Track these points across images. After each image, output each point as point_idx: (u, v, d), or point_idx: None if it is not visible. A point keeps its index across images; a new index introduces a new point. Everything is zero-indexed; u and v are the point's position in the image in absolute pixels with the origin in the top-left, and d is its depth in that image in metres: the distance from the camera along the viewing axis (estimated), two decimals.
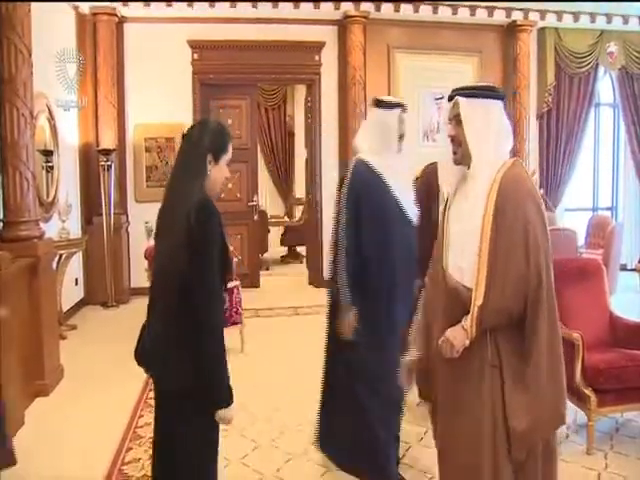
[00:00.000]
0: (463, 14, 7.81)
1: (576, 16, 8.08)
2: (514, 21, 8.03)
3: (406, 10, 7.64)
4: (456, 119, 2.14)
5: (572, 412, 3.69)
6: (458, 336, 2.07)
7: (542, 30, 8.28)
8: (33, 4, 4.37)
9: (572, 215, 8.67)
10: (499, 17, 7.97)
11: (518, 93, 8.08)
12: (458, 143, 2.14)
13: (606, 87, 8.94)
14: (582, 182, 8.99)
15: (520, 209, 2.03)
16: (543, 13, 8.02)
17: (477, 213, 2.07)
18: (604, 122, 9.10)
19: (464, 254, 2.10)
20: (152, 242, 1.94)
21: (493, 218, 2.03)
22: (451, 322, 2.10)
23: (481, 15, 7.87)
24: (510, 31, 8.15)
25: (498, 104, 2.16)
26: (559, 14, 8.06)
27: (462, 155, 2.14)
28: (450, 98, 2.18)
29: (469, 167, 2.13)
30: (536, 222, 2.03)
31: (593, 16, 8.10)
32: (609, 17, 8.15)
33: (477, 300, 2.03)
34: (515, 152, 7.89)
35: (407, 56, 7.99)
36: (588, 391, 3.39)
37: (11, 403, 3.68)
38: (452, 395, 2.18)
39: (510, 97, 7.88)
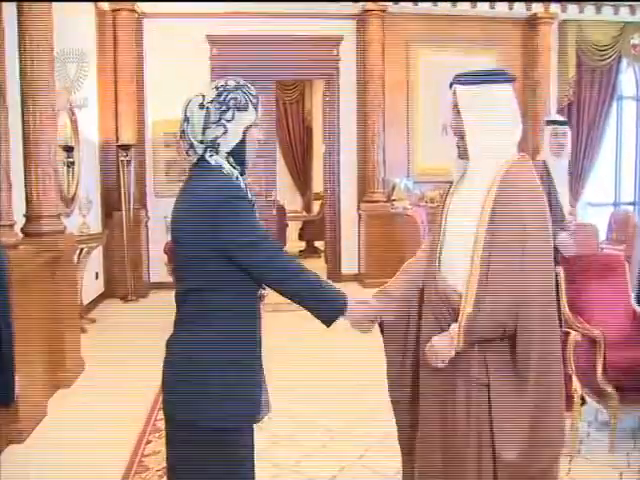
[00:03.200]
0: (482, 7, 7.71)
1: (598, 8, 7.95)
2: (534, 14, 7.92)
3: (425, 3, 7.59)
4: (456, 109, 1.97)
5: (593, 410, 3.66)
6: (444, 345, 1.88)
7: (563, 23, 8.16)
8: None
9: (593, 210, 8.56)
10: (519, 10, 7.87)
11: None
12: (460, 135, 1.97)
13: (629, 80, 8.80)
14: (604, 177, 8.86)
15: (519, 214, 1.84)
16: (564, 5, 7.90)
17: (473, 212, 1.90)
18: (627, 115, 8.95)
19: (458, 255, 1.93)
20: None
21: (489, 220, 1.86)
22: (442, 328, 1.94)
23: (501, 8, 7.77)
24: (530, 24, 8.05)
25: (502, 88, 1.95)
26: (581, 6, 7.93)
27: (465, 148, 1.96)
28: (450, 86, 2.00)
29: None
30: (536, 230, 1.85)
31: (616, 8, 7.97)
32: (633, 8, 8.01)
33: (466, 307, 1.85)
34: (535, 147, 7.81)
35: (426, 50, 7.93)
36: (610, 388, 3.33)
37: (34, 394, 3.73)
38: (435, 413, 1.97)
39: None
